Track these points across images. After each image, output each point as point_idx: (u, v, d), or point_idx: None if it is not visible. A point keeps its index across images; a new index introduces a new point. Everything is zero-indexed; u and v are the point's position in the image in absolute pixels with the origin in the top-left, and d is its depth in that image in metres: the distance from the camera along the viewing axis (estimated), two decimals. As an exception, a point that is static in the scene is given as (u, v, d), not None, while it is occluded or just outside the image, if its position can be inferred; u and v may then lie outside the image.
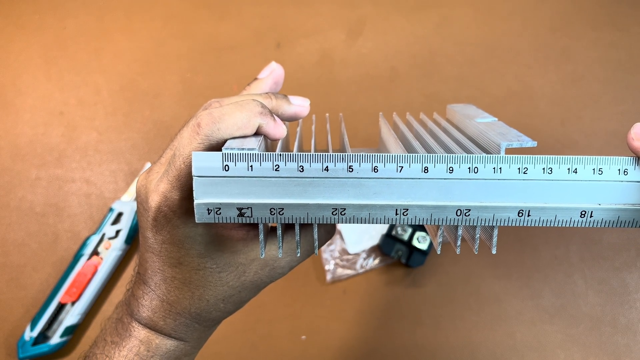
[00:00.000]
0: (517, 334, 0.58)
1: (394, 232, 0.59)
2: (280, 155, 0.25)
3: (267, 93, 0.32)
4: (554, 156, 0.25)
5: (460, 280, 0.60)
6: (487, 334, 0.58)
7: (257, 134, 0.28)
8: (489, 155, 0.25)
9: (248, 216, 0.25)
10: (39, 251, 0.62)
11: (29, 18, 0.72)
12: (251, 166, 0.25)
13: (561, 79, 0.68)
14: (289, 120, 0.33)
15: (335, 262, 0.61)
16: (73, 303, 0.58)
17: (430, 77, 0.69)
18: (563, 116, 0.66)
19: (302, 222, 0.26)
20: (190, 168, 0.26)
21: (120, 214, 0.61)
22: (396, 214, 0.25)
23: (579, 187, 0.25)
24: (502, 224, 0.26)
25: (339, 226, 0.62)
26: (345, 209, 0.25)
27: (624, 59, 0.68)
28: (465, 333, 0.58)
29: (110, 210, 0.62)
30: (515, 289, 0.60)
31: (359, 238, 0.61)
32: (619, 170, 0.25)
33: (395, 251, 0.59)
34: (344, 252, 0.61)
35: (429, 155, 0.25)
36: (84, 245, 0.60)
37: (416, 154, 0.25)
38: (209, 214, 0.25)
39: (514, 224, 0.26)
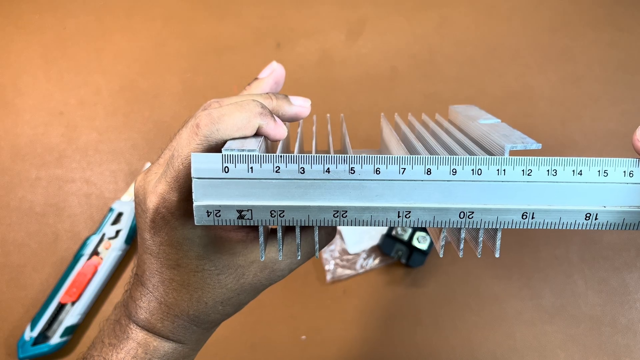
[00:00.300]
0: (517, 334, 0.58)
1: (394, 232, 0.59)
2: (281, 156, 0.24)
3: (267, 93, 0.32)
4: (558, 158, 0.25)
5: (460, 280, 0.60)
6: (487, 334, 0.58)
7: (257, 134, 0.28)
8: (492, 157, 0.25)
9: (248, 218, 0.25)
10: (39, 251, 0.62)
11: (29, 18, 0.72)
12: (251, 168, 0.24)
13: (561, 79, 0.68)
14: (290, 121, 0.33)
15: (335, 262, 0.61)
16: (73, 303, 0.58)
17: (430, 77, 0.69)
18: (563, 116, 0.66)
19: (303, 224, 0.25)
20: (189, 169, 0.26)
21: (120, 214, 0.61)
22: (398, 217, 0.25)
23: (584, 189, 0.25)
24: (506, 227, 0.26)
25: (339, 226, 0.62)
26: (346, 211, 0.25)
27: (624, 59, 0.68)
28: (465, 333, 0.58)
29: (110, 210, 0.62)
30: (515, 289, 0.60)
31: (359, 238, 0.61)
32: (624, 172, 0.25)
33: (395, 251, 0.59)
34: (344, 252, 0.61)
35: (431, 156, 0.25)
36: (84, 245, 0.60)
37: (419, 156, 0.25)
38: (208, 216, 0.25)
39: (518, 227, 0.25)
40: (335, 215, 0.25)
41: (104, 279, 0.59)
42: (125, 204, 0.62)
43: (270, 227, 0.33)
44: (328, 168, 0.24)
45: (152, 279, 0.30)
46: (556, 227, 0.25)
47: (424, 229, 0.58)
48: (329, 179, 0.25)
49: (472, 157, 0.25)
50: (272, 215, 0.25)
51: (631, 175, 0.25)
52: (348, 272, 0.60)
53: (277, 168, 0.24)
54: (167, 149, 0.30)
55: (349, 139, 0.39)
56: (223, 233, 0.29)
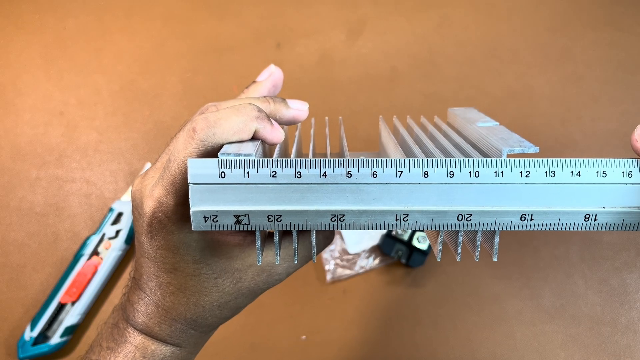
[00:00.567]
0: (517, 334, 0.58)
1: (394, 233, 0.59)
2: (278, 161, 0.24)
3: (264, 97, 0.31)
4: (556, 159, 0.24)
5: (460, 280, 0.60)
6: (487, 334, 0.58)
7: (254, 138, 0.28)
8: (490, 159, 0.25)
9: (245, 223, 0.25)
10: (39, 251, 0.62)
11: (29, 18, 0.72)
12: (248, 173, 0.24)
13: (561, 79, 0.68)
14: (287, 124, 0.33)
15: (335, 262, 0.61)
16: (73, 303, 0.58)
17: (430, 77, 0.69)
18: (563, 116, 0.66)
19: (300, 229, 0.25)
20: (185, 173, 0.26)
21: (120, 214, 0.61)
22: (396, 220, 0.25)
23: (583, 190, 0.25)
24: (504, 229, 0.25)
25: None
26: (344, 215, 0.25)
27: (624, 59, 0.68)
28: (465, 333, 0.58)
29: (110, 210, 0.62)
30: (515, 289, 0.60)
31: (359, 238, 0.61)
32: (623, 172, 0.25)
33: (395, 251, 0.59)
34: (344, 252, 0.61)
35: (428, 159, 0.25)
36: (84, 245, 0.60)
37: (416, 159, 0.25)
38: (205, 221, 0.25)
39: (516, 229, 0.25)
40: (333, 220, 0.25)
41: (104, 279, 0.59)
42: (125, 204, 0.62)
43: (267, 231, 0.33)
44: (325, 172, 0.24)
45: (150, 283, 0.30)
46: (555, 229, 0.25)
47: (423, 230, 0.58)
48: (326, 183, 0.25)
49: (470, 159, 0.25)
50: (270, 220, 0.25)
51: (630, 175, 0.25)
52: (348, 272, 0.60)
53: (274, 172, 0.24)
54: (164, 153, 0.29)
55: (349, 141, 0.39)
56: (220, 237, 0.29)
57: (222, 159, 0.24)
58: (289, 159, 0.24)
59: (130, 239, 0.61)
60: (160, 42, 0.71)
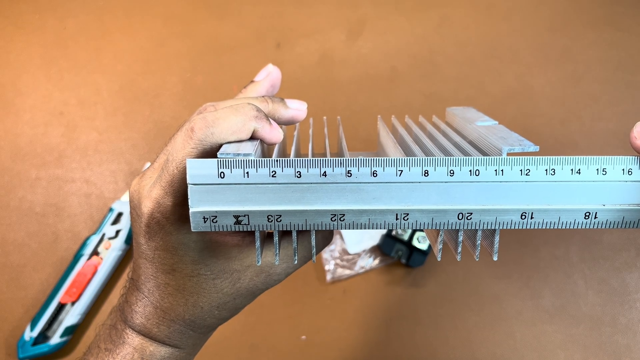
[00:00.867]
0: (517, 334, 0.58)
1: (394, 232, 0.59)
2: (277, 161, 0.24)
3: (263, 96, 0.31)
4: (556, 157, 0.24)
5: (460, 280, 0.60)
6: (487, 334, 0.58)
7: (252, 138, 0.28)
8: (490, 158, 0.25)
9: (245, 224, 0.25)
10: (39, 251, 0.62)
11: (29, 18, 0.72)
12: (247, 173, 0.24)
13: (561, 79, 0.68)
14: (286, 124, 0.33)
15: (335, 262, 0.61)
16: (73, 303, 0.58)
17: (430, 77, 0.69)
18: (563, 116, 0.66)
19: (300, 229, 0.25)
20: (184, 173, 0.26)
21: (120, 214, 0.62)
22: (396, 219, 0.25)
23: (583, 188, 0.25)
24: (504, 227, 0.25)
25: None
26: (344, 214, 0.25)
27: (624, 59, 0.68)
28: (465, 333, 0.58)
29: (110, 210, 0.62)
30: (515, 289, 0.60)
31: (359, 238, 0.61)
32: (623, 170, 0.25)
33: (395, 251, 0.59)
34: (344, 252, 0.61)
35: (429, 158, 0.25)
36: (84, 245, 0.60)
37: (416, 157, 0.25)
38: (205, 222, 0.25)
39: (517, 227, 0.25)
40: (333, 219, 0.25)
41: (104, 279, 0.59)
42: (125, 204, 0.62)
43: (266, 231, 0.33)
44: (325, 172, 0.24)
45: (148, 284, 0.29)
46: (555, 227, 0.25)
47: (423, 230, 0.58)
48: (325, 183, 0.24)
49: (470, 157, 0.24)
50: (269, 220, 0.25)
51: (630, 173, 0.25)
52: (348, 272, 0.60)
53: (274, 172, 0.24)
54: (162, 153, 0.29)
55: (349, 141, 0.39)
56: (219, 237, 0.29)
57: (222, 159, 0.24)
58: (288, 159, 0.24)
59: (130, 239, 0.61)
60: (160, 42, 0.71)
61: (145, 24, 0.72)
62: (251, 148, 0.25)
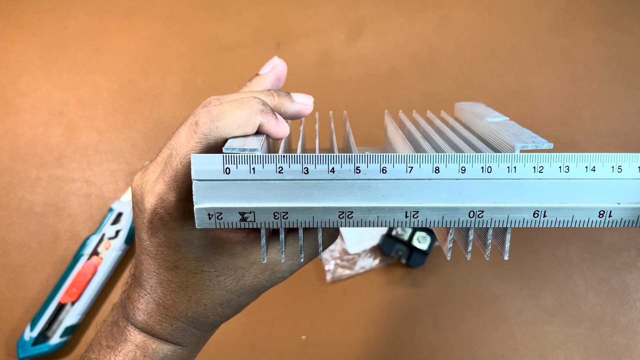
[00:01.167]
0: (517, 334, 0.58)
1: (394, 232, 0.59)
2: (284, 156, 0.24)
3: (269, 90, 0.31)
4: (571, 154, 0.24)
5: (460, 280, 0.60)
6: (487, 334, 0.58)
7: (258, 133, 0.27)
8: (503, 154, 0.24)
9: (251, 221, 0.24)
10: (39, 251, 0.62)
11: (29, 18, 0.72)
12: (253, 169, 0.24)
13: (561, 79, 0.68)
14: (292, 118, 0.32)
15: (335, 262, 0.61)
16: (73, 303, 0.58)
17: (430, 77, 0.69)
18: (563, 116, 0.66)
19: (307, 226, 0.25)
20: (188, 168, 0.25)
21: (120, 214, 0.61)
22: (406, 217, 0.24)
23: (598, 185, 0.24)
24: (517, 226, 0.25)
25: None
26: (352, 212, 0.24)
27: (624, 59, 0.68)
28: (465, 333, 0.58)
29: (110, 210, 0.62)
30: (515, 289, 0.60)
31: (359, 238, 0.61)
32: (639, 167, 0.24)
33: (395, 251, 0.59)
34: (344, 252, 0.61)
35: (440, 154, 0.24)
36: (84, 245, 0.60)
37: (427, 154, 0.24)
38: (209, 219, 0.24)
39: (529, 225, 0.25)
40: (341, 217, 0.24)
41: (103, 279, 0.59)
42: (125, 204, 0.62)
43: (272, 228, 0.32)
44: (333, 168, 0.24)
45: (150, 280, 0.29)
46: (569, 225, 0.25)
47: (424, 229, 0.58)
48: (333, 179, 0.24)
49: (482, 154, 0.24)
50: (276, 217, 0.24)
51: None
52: (348, 272, 0.60)
53: (280, 168, 0.24)
54: (166, 147, 0.29)
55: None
56: (222, 234, 0.29)
57: (227, 155, 0.23)
58: (296, 154, 0.24)
59: (130, 239, 0.61)
60: (160, 42, 0.71)
61: (145, 24, 0.72)
62: (257, 143, 0.25)
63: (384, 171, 0.24)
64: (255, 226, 0.24)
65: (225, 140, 0.26)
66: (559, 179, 0.24)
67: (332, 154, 0.24)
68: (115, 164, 0.66)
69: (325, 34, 0.71)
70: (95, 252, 0.60)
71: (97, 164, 0.66)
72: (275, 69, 0.35)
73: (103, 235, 0.60)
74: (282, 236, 0.27)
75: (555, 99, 0.67)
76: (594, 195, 0.24)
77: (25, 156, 0.66)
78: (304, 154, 0.24)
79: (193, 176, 0.24)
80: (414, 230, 0.58)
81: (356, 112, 0.67)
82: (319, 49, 0.70)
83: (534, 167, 0.24)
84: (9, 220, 0.63)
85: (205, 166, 0.24)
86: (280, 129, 0.28)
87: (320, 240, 0.27)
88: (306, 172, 0.24)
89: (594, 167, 0.24)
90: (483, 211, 0.24)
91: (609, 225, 0.25)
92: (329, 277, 0.60)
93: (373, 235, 0.61)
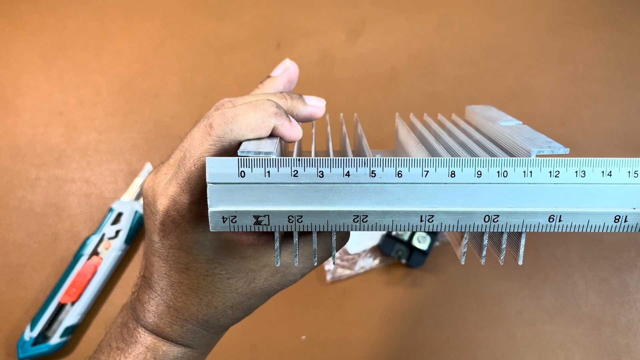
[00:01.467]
0: (517, 334, 0.58)
1: (394, 233, 0.59)
2: (299, 160, 0.24)
3: (281, 92, 0.31)
4: (587, 159, 0.24)
5: (460, 280, 0.60)
6: (487, 334, 0.58)
7: (272, 135, 0.27)
8: (518, 159, 0.24)
9: (265, 224, 0.24)
10: (39, 251, 0.62)
11: (29, 18, 0.72)
12: (268, 172, 0.23)
13: (561, 79, 0.68)
14: (304, 121, 0.32)
15: (335, 262, 0.61)
16: (73, 303, 0.58)
17: (430, 77, 0.69)
18: (563, 116, 0.66)
19: (321, 230, 0.25)
20: (201, 171, 0.25)
21: (120, 214, 0.61)
22: (421, 221, 0.24)
23: (614, 190, 0.24)
24: (532, 230, 0.25)
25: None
26: (367, 216, 0.24)
27: (624, 59, 0.68)
28: (465, 333, 0.58)
29: (110, 210, 0.62)
30: (515, 289, 0.60)
31: (359, 238, 0.61)
32: None
33: (396, 251, 0.59)
34: (344, 252, 0.61)
35: (456, 159, 0.24)
36: (83, 245, 0.60)
37: (443, 158, 0.24)
38: (224, 222, 0.24)
39: (544, 230, 0.25)
40: (356, 221, 0.24)
41: (103, 279, 0.59)
42: (125, 204, 0.62)
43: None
44: (348, 171, 0.24)
45: (161, 282, 0.29)
46: (584, 230, 0.25)
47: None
48: (348, 183, 0.24)
49: (498, 159, 0.24)
50: (290, 221, 0.24)
51: None
52: (348, 272, 0.60)
53: (295, 172, 0.23)
54: (178, 149, 0.29)
55: (349, 141, 0.38)
56: (234, 236, 0.28)
57: (242, 158, 0.23)
58: (311, 158, 0.24)
59: (130, 239, 0.61)
60: (160, 42, 0.71)
61: (145, 24, 0.72)
62: (272, 146, 0.25)
63: (400, 175, 0.24)
64: (269, 230, 0.24)
65: (238, 143, 0.26)
66: (575, 184, 0.24)
67: (348, 158, 0.24)
68: (115, 164, 0.66)
69: (325, 34, 0.71)
70: (95, 252, 0.60)
71: (97, 164, 0.66)
72: (287, 71, 0.34)
73: (103, 235, 0.60)
74: (295, 240, 0.27)
75: (555, 99, 0.67)
76: (610, 200, 0.24)
77: (25, 156, 0.66)
78: (319, 158, 0.24)
79: (208, 179, 0.24)
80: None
81: (356, 112, 0.67)
82: (319, 49, 0.70)
83: (550, 172, 0.24)
84: (9, 220, 0.63)
85: (220, 169, 0.23)
86: (293, 131, 0.28)
87: (334, 245, 0.27)
88: (321, 175, 0.24)
89: (610, 171, 0.24)
90: (498, 215, 0.24)
91: (625, 230, 0.25)
92: (329, 277, 0.60)
93: (373, 235, 0.61)
